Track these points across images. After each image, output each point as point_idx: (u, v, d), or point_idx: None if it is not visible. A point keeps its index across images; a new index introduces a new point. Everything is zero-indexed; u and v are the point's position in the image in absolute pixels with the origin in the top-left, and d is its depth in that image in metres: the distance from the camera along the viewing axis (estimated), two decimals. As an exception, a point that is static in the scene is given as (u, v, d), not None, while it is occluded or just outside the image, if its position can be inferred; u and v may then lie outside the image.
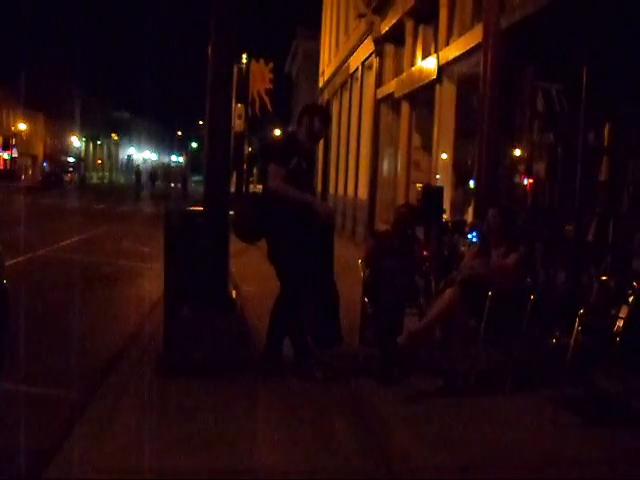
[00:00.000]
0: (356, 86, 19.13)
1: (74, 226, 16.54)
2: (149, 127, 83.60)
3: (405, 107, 13.97)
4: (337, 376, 5.29)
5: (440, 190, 8.88)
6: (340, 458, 3.87)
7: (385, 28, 15.23)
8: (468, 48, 9.82)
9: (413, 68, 13.29)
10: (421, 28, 13.36)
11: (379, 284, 5.92)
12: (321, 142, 13.21)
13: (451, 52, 10.83)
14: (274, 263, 5.43)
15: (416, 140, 13.77)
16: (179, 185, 49.76)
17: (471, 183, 9.79)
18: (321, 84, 26.72)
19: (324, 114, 5.66)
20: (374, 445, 4.12)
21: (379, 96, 15.86)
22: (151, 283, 8.41)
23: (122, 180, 67.73)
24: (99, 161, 65.37)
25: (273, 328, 5.46)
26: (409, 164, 13.68)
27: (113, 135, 69.02)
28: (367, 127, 17.40)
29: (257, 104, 20.30)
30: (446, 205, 9.64)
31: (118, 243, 14.97)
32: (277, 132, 49.99)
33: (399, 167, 14.39)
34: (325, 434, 4.19)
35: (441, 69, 11.31)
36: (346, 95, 20.98)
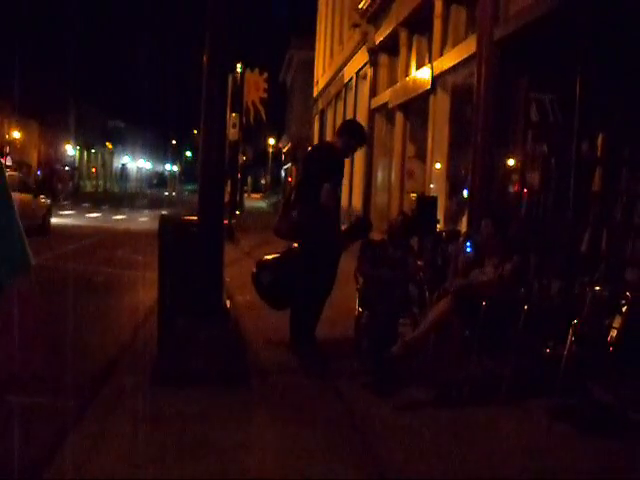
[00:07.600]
0: (350, 96, 19.20)
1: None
2: (144, 136, 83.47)
3: (399, 117, 14.02)
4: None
5: (434, 200, 8.92)
6: (333, 469, 3.86)
7: (379, 38, 15.30)
8: (462, 59, 9.87)
9: (407, 78, 13.34)
10: (415, 38, 13.44)
11: (373, 294, 5.92)
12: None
13: (445, 62, 10.88)
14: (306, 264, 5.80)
15: (410, 150, 13.81)
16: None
17: (465, 193, 9.81)
18: (315, 93, 26.79)
19: (365, 137, 6.43)
20: (367, 456, 4.11)
21: (373, 106, 15.91)
22: (145, 292, 8.38)
23: (116, 189, 67.63)
24: (93, 170, 65.10)
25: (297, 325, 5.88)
26: (403, 174, 13.71)
27: (107, 144, 68.78)
28: (361, 137, 17.41)
29: (252, 113, 20.39)
30: (440, 215, 9.66)
31: (112, 252, 14.92)
32: (271, 141, 50.05)
33: (393, 177, 14.43)
34: (318, 445, 4.18)
35: (435, 79, 11.36)
36: (340, 105, 21.04)
